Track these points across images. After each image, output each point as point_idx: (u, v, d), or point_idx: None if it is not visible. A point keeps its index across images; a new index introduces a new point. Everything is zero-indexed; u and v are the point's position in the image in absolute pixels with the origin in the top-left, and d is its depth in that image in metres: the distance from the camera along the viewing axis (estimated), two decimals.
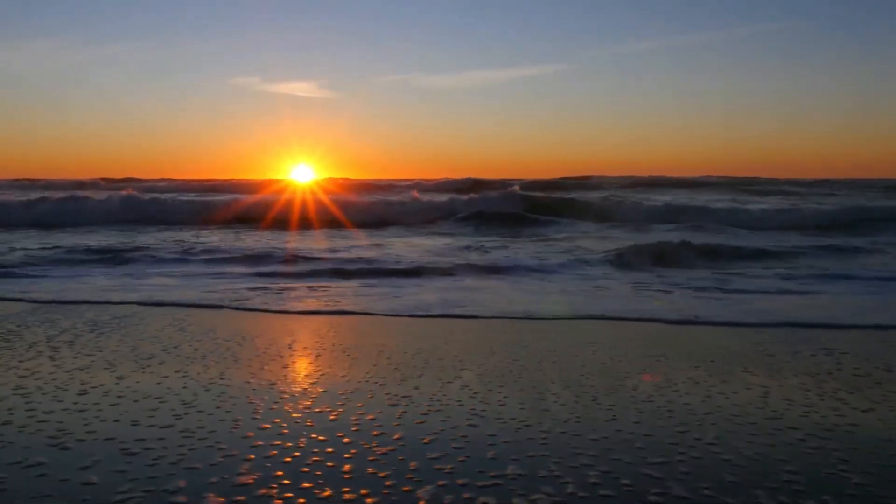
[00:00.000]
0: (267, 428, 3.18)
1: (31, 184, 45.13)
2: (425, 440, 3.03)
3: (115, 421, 3.26)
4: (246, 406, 3.51)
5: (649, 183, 39.70)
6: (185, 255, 11.00)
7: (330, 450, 2.89)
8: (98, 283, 8.14)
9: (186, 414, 3.37)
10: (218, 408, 3.48)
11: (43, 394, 3.67)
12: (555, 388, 3.89)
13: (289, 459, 2.80)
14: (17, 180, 49.87)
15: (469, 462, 2.78)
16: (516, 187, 24.24)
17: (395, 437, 3.07)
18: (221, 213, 18.99)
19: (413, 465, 2.74)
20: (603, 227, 17.30)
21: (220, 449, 2.91)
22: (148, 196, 21.55)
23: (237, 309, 6.46)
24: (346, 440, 3.01)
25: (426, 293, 7.39)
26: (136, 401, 3.59)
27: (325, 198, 19.87)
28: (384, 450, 2.90)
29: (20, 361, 4.34)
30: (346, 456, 2.83)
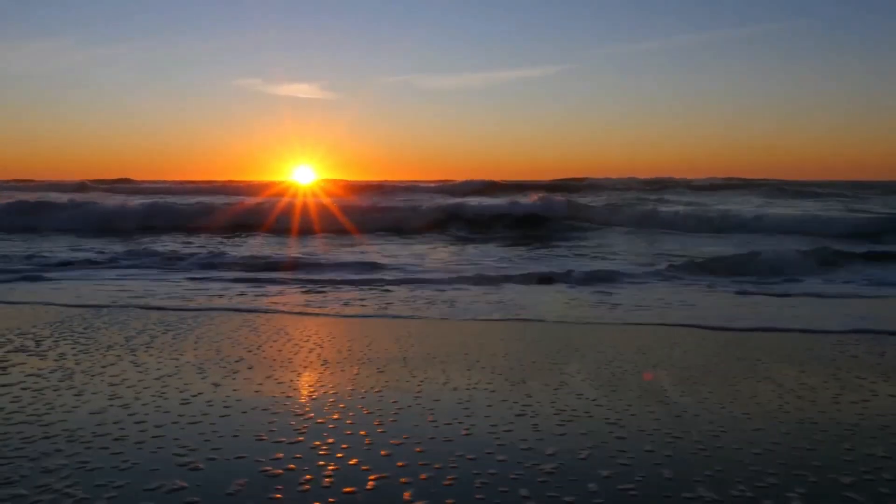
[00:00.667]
0: (401, 444, 2.78)
1: (26, 185, 43.19)
2: (583, 456, 2.66)
3: (234, 436, 2.85)
4: (364, 417, 3.12)
5: (660, 185, 37.35)
6: (212, 260, 10.40)
7: (492, 472, 2.50)
8: (141, 285, 7.70)
9: (306, 427, 2.97)
10: (336, 419, 3.08)
11: (143, 404, 3.25)
12: (672, 394, 3.52)
13: (450, 482, 2.41)
14: (11, 181, 47.72)
15: (651, 481, 2.40)
16: (561, 196, 21.91)
17: (548, 453, 2.69)
18: (222, 217, 17.47)
19: (593, 486, 2.37)
20: (653, 233, 15.50)
21: (366, 470, 2.52)
22: (157, 199, 20.57)
23: (297, 314, 6.06)
24: (500, 458, 2.62)
25: (489, 298, 7.03)
26: (244, 412, 3.18)
27: (328, 200, 18.83)
28: (548, 468, 2.52)
29: (103, 367, 3.92)
30: (512, 477, 2.44)
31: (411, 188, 32.31)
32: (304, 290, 7.37)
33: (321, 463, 2.56)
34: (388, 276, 8.54)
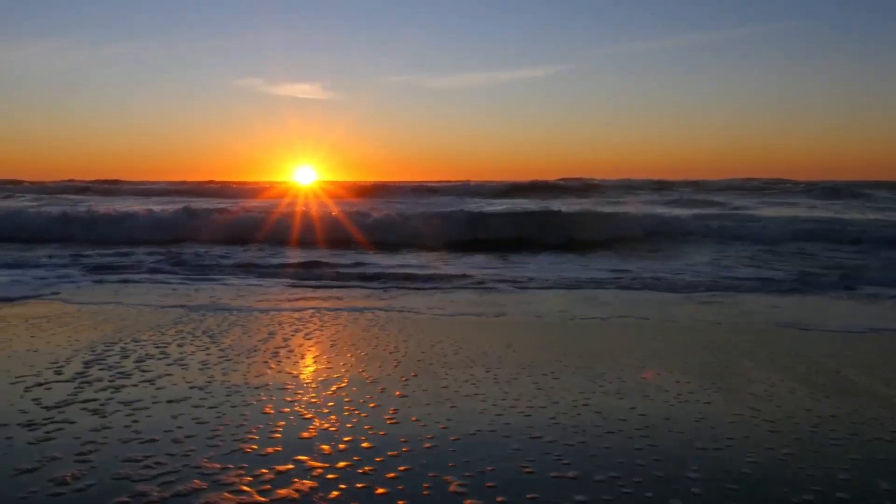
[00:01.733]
0: (662, 464, 2.42)
1: (31, 187, 40.64)
2: (886, 487, 2.30)
3: (466, 460, 2.46)
4: (598, 431, 2.74)
5: (666, 186, 34.67)
6: (263, 265, 8.96)
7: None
8: (221, 288, 7.27)
9: (546, 452, 2.56)
10: (551, 443, 2.68)
11: (348, 426, 2.84)
12: (875, 392, 3.18)
13: None
14: (10, 181, 45.09)
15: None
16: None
17: (842, 478, 2.33)
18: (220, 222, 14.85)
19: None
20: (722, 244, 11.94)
21: (649, 502, 2.15)
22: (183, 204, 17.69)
23: (411, 314, 5.68)
24: (784, 489, 2.27)
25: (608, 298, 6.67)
26: (472, 434, 2.72)
27: (333, 206, 16.63)
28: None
29: (258, 377, 3.51)
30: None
31: (418, 188, 31.04)
32: (405, 292, 6.55)
33: (581, 493, 2.17)
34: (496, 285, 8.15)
